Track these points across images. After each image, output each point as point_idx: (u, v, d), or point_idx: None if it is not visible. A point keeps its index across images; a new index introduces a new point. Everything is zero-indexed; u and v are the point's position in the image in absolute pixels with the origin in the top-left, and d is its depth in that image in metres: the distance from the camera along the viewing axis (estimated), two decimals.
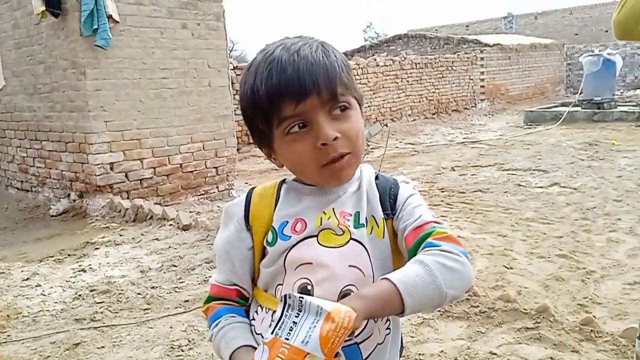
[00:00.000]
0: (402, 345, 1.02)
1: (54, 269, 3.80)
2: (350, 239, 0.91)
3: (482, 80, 15.07)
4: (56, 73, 5.63)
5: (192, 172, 6.02)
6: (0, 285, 3.51)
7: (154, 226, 4.64)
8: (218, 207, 5.68)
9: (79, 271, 3.70)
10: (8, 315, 3.06)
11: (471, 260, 3.65)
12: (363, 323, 0.86)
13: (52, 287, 3.44)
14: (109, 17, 5.06)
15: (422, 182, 6.41)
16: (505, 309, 2.76)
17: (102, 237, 4.47)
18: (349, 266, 0.89)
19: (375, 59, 12.32)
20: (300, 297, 0.74)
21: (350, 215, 0.93)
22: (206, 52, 6.07)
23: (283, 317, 0.75)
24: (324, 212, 0.93)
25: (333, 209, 0.93)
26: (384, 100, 12.13)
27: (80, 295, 3.29)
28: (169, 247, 4.11)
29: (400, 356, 1.00)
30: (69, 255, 4.09)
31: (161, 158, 5.74)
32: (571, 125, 10.24)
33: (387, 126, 6.22)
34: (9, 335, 2.83)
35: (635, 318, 2.73)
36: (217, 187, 6.26)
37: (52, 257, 4.05)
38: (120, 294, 3.28)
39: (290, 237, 0.91)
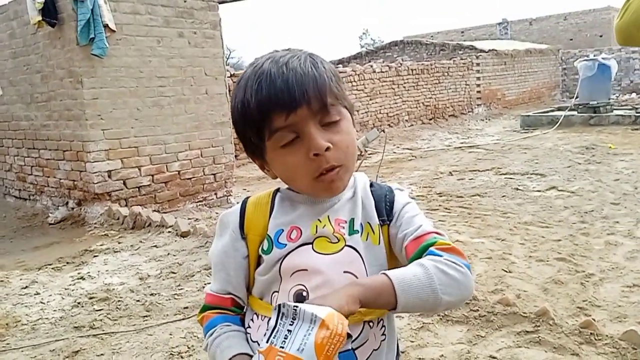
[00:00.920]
0: (398, 352, 1.02)
1: (52, 277, 3.79)
2: (345, 245, 0.92)
3: (479, 85, 15.13)
4: (53, 82, 5.64)
5: (190, 179, 6.02)
6: None
7: (153, 233, 4.64)
8: (216, 213, 5.68)
9: (78, 279, 3.69)
10: (7, 324, 3.05)
11: (470, 264, 3.65)
12: (359, 328, 0.89)
13: (51, 295, 3.43)
14: (106, 26, 5.08)
15: (420, 187, 6.42)
16: (505, 312, 2.76)
17: (101, 245, 4.46)
18: (344, 272, 0.90)
19: (371, 66, 12.37)
20: (294, 306, 0.74)
21: (345, 222, 0.94)
22: (203, 60, 6.09)
23: (278, 325, 0.75)
24: (319, 219, 0.93)
25: (328, 216, 0.94)
26: (380, 106, 12.16)
27: (79, 303, 3.28)
28: (168, 254, 4.11)
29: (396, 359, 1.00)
30: (67, 263, 4.08)
31: (159, 165, 5.75)
32: (568, 129, 10.28)
33: (384, 132, 6.23)
34: (8, 344, 2.82)
35: (635, 320, 2.74)
36: (216, 194, 6.26)
37: (50, 265, 4.04)
38: (119, 301, 3.28)
39: (286, 245, 0.92)
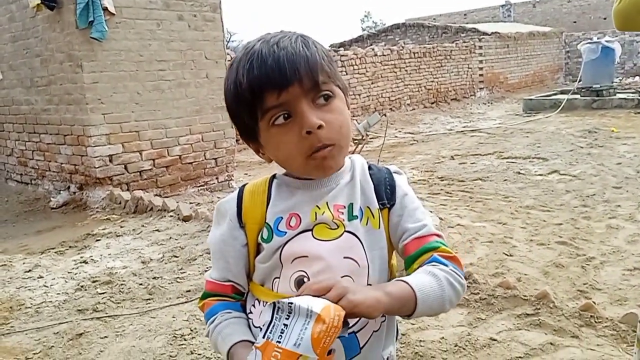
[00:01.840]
0: (397, 331, 1.03)
1: (55, 260, 3.82)
2: (345, 231, 0.92)
3: (481, 69, 15.03)
4: (53, 66, 5.61)
5: (191, 163, 6.01)
6: (3, 278, 3.52)
7: (155, 217, 4.65)
8: (218, 198, 5.69)
9: (81, 262, 3.71)
10: (11, 307, 3.07)
11: (471, 248, 3.67)
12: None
13: (54, 279, 3.46)
14: (105, 9, 5.03)
15: (421, 171, 6.41)
16: (505, 295, 2.77)
17: (103, 229, 4.48)
18: (344, 258, 0.91)
19: (373, 49, 12.27)
20: (289, 303, 0.74)
21: (344, 207, 0.94)
22: (203, 43, 6.04)
23: (273, 320, 0.75)
24: (317, 206, 0.93)
25: (327, 202, 0.94)
26: (382, 90, 12.10)
27: (82, 287, 3.30)
28: (170, 238, 4.13)
29: (396, 340, 1.02)
30: (70, 247, 4.10)
31: (160, 150, 5.74)
32: (570, 113, 10.23)
33: (385, 116, 6.21)
34: (12, 327, 2.85)
35: (635, 303, 2.75)
36: (217, 178, 6.26)
37: (53, 249, 4.06)
38: (122, 284, 3.30)
39: (286, 232, 0.92)
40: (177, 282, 3.32)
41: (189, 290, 3.17)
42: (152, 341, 2.61)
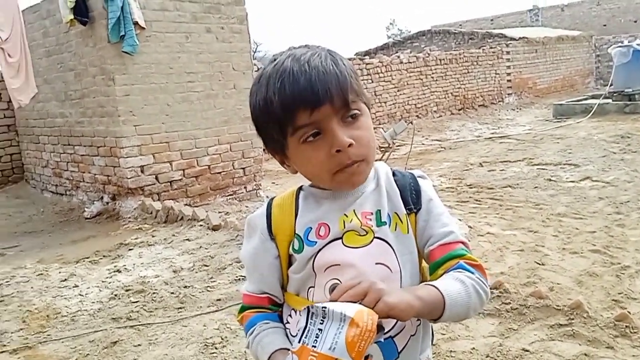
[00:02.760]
0: (433, 334, 1.05)
1: (90, 269, 3.91)
2: (374, 237, 0.94)
3: (509, 74, 14.83)
4: (86, 79, 5.78)
5: (220, 173, 6.10)
6: (40, 287, 3.63)
7: (185, 227, 4.73)
8: (246, 207, 5.75)
9: (114, 272, 3.80)
10: (48, 315, 3.16)
11: (501, 257, 3.61)
12: (393, 321, 0.90)
13: (89, 288, 3.54)
14: (135, 23, 5.17)
15: (449, 178, 6.36)
16: (538, 305, 2.73)
17: (135, 238, 4.58)
18: (376, 264, 0.92)
19: (398, 56, 12.25)
20: (323, 307, 0.76)
21: (372, 214, 0.96)
22: (230, 55, 6.15)
23: (308, 325, 0.77)
24: (345, 214, 0.95)
25: (354, 210, 0.95)
26: (408, 97, 12.05)
27: (116, 295, 3.38)
28: (200, 247, 4.19)
29: (432, 343, 1.03)
30: (104, 256, 4.20)
31: (190, 160, 5.84)
32: (602, 118, 10.01)
33: (412, 124, 6.20)
34: (49, 335, 2.93)
35: None
36: (245, 188, 6.33)
37: (87, 258, 4.17)
38: (154, 293, 3.36)
39: (316, 242, 0.94)
40: (208, 290, 3.37)
41: (220, 299, 3.21)
42: (184, 349, 2.66)
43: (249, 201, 6.05)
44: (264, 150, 6.55)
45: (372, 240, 0.94)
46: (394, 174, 1.02)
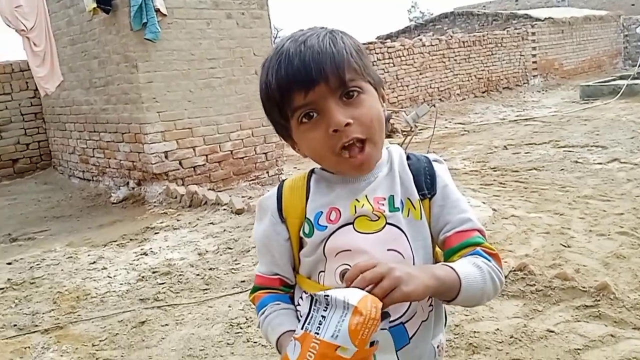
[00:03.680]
0: (446, 318, 1.03)
1: (117, 252, 4.00)
2: (386, 223, 0.92)
3: (534, 55, 14.52)
4: (110, 67, 5.85)
5: (242, 158, 6.14)
6: (69, 269, 3.73)
7: (209, 211, 4.79)
8: (268, 191, 5.78)
9: (141, 254, 3.88)
10: (78, 297, 3.25)
11: (526, 239, 3.57)
12: (407, 304, 0.90)
13: (117, 270, 3.63)
14: (157, 11, 5.20)
15: (473, 161, 6.29)
16: (563, 287, 2.70)
17: (161, 222, 4.66)
18: (388, 250, 0.91)
19: (421, 39, 12.09)
20: (325, 295, 0.75)
21: (384, 199, 0.94)
22: (251, 40, 6.15)
23: (311, 312, 0.77)
24: (357, 199, 0.93)
25: (366, 195, 0.93)
26: (431, 81, 11.91)
27: (143, 277, 3.45)
28: (224, 230, 4.24)
29: (444, 327, 1.02)
30: (130, 239, 4.28)
31: (212, 145, 5.89)
32: (630, 99, 9.75)
33: (435, 106, 6.12)
34: (79, 315, 3.02)
35: None
36: (267, 172, 6.37)
37: (115, 241, 4.26)
38: (180, 275, 3.43)
39: (327, 227, 0.93)
40: (232, 272, 3.42)
41: (244, 281, 3.25)
42: (210, 329, 2.71)
43: (271, 186, 6.08)
44: None
45: (384, 226, 0.92)
46: (408, 158, 0.99)
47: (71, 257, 3.96)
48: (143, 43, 5.35)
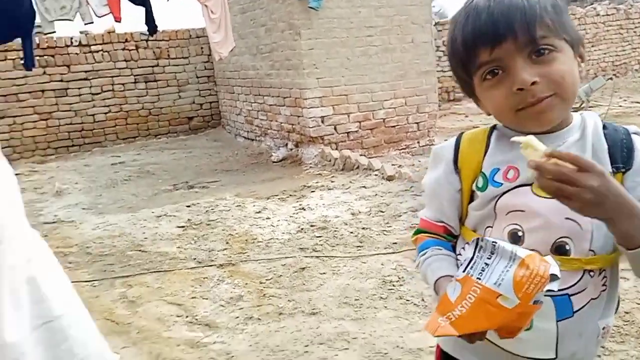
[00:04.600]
0: (618, 302, 0.97)
1: (279, 205, 4.35)
2: None
3: None
4: (275, 34, 6.23)
5: (394, 126, 6.20)
6: (238, 216, 4.15)
7: (361, 175, 4.95)
8: (419, 161, 5.80)
9: (300, 209, 4.17)
10: (246, 240, 3.62)
11: None
12: (578, 276, 0.86)
13: (279, 220, 3.96)
14: None
15: None
16: None
17: (316, 182, 4.94)
18: (566, 218, 0.86)
19: (594, 8, 10.95)
20: (493, 242, 0.75)
21: None
22: (410, 8, 6.10)
23: (475, 257, 0.77)
24: None
25: None
26: (604, 54, 10.78)
27: (302, 229, 3.73)
28: (376, 194, 4.37)
29: (615, 312, 0.96)
30: (290, 195, 4.62)
31: (366, 113, 6.03)
32: None
33: (611, 79, 5.55)
34: (248, 255, 3.37)
35: None
36: (418, 142, 6.36)
37: (276, 196, 4.63)
38: (335, 231, 3.64)
39: (502, 184, 0.90)
40: (384, 234, 3.54)
41: (396, 243, 3.35)
42: (364, 282, 2.86)
43: (421, 156, 6.07)
44: (438, 106, 6.47)
45: None
46: (604, 127, 0.92)
47: (239, 205, 4.40)
48: (306, 11, 5.60)
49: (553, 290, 0.74)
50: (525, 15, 0.82)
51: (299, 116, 5.96)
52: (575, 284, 0.87)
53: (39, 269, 1.39)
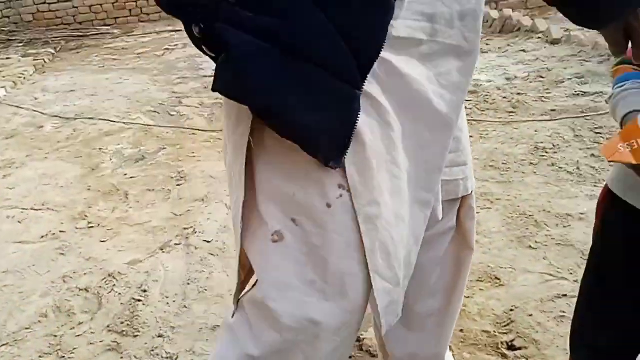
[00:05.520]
0: None
1: None
2: None
3: None
4: None
5: None
6: None
7: (521, 38, 4.52)
8: None
9: None
10: None
11: None
12: None
13: None
14: None
15: None
16: None
17: None
18: None
19: None
20: None
21: None
22: None
23: None
24: None
25: None
26: None
27: None
28: (536, 59, 3.99)
29: None
30: None
31: None
32: None
33: None
34: None
35: None
36: None
37: None
38: (486, 95, 3.45)
39: None
40: (542, 101, 3.28)
41: (554, 110, 3.10)
42: (513, 148, 2.74)
43: None
44: None
45: None
46: None
47: None
48: None
49: None
50: None
51: None
52: None
53: None
